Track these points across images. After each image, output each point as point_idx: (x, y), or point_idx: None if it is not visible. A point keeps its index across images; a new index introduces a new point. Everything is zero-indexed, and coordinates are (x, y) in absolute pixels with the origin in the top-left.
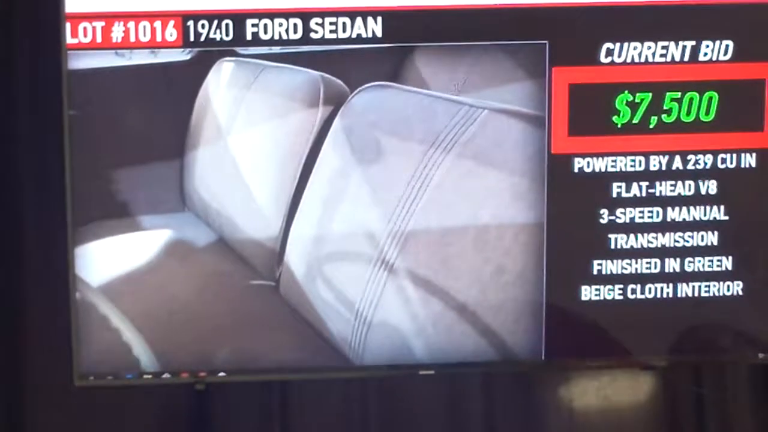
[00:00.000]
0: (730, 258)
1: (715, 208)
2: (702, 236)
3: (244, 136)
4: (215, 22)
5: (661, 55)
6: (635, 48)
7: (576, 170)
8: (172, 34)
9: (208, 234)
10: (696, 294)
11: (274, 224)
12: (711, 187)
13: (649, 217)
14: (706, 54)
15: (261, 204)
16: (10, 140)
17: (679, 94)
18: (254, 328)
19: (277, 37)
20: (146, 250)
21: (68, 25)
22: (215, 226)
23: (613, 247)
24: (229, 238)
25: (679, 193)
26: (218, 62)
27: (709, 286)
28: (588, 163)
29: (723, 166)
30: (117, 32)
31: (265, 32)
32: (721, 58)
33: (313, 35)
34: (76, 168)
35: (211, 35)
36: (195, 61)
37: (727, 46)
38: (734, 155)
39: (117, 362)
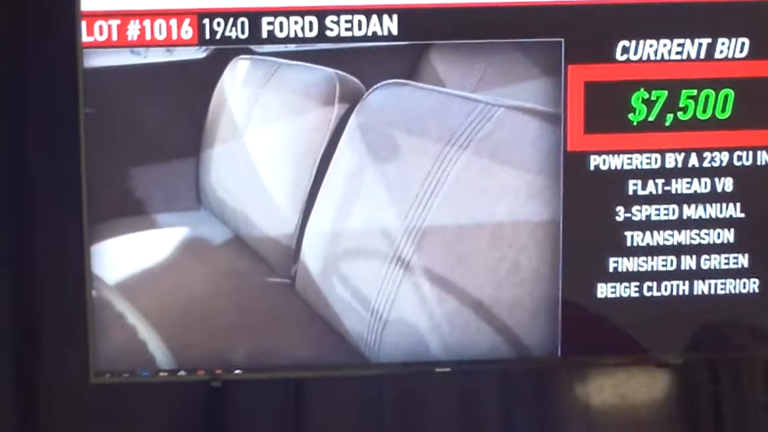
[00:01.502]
0: (747, 255)
1: (731, 205)
2: (718, 233)
3: (260, 133)
4: (231, 20)
5: (677, 53)
6: (651, 45)
7: (592, 168)
8: (187, 32)
9: (224, 232)
10: (712, 291)
11: (290, 222)
12: (727, 184)
13: (665, 214)
14: (722, 51)
15: (277, 201)
16: (25, 139)
17: (695, 92)
18: (270, 325)
19: (292, 35)
20: (162, 248)
21: (84, 24)
22: (231, 224)
23: (629, 244)
24: (245, 236)
25: (695, 191)
26: (234, 60)
27: (725, 284)
28: (604, 160)
29: (739, 164)
30: (133, 30)
31: (281, 30)
32: (737, 55)
33: (328, 33)
34: (92, 166)
35: (227, 33)
36: (210, 59)
37: (743, 43)
38: (750, 153)
39: (133, 360)
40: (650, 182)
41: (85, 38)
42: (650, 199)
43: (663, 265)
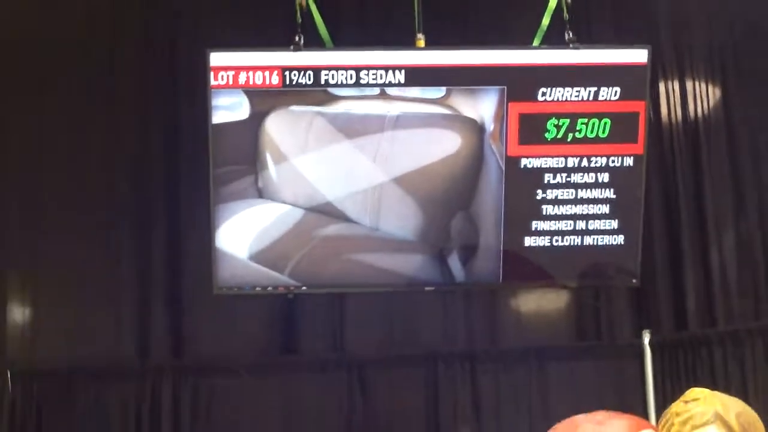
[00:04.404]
0: (616, 221)
1: (607, 190)
2: (599, 207)
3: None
4: (302, 73)
5: (575, 96)
6: (560, 91)
7: (522, 166)
8: (275, 79)
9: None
10: (595, 243)
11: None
12: (605, 177)
13: (567, 195)
14: (603, 95)
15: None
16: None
17: (586, 120)
18: (330, 256)
19: (339, 82)
20: (266, 212)
21: (212, 73)
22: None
23: (545, 213)
24: (314, 207)
25: (585, 181)
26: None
27: (603, 238)
28: (530, 161)
29: (613, 165)
30: (242, 78)
31: (332, 79)
32: (612, 98)
33: (362, 81)
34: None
35: (299, 80)
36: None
37: (616, 90)
38: (620, 158)
39: (240, 279)
40: (558, 175)
41: (213, 82)
42: (558, 186)
43: (565, 227)
